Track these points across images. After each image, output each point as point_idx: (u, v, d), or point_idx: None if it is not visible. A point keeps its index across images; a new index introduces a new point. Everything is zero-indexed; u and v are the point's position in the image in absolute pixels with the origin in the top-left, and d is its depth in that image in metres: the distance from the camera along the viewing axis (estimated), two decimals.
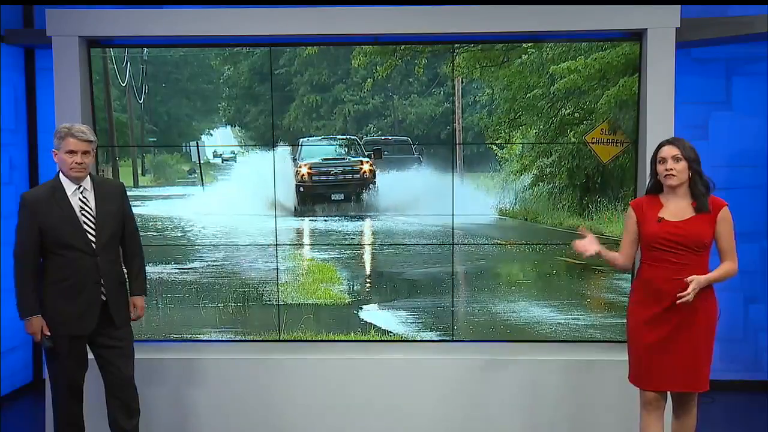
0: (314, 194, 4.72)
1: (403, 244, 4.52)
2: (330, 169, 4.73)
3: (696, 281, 3.14)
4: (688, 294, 3.12)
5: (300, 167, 4.68)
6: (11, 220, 3.62)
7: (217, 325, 4.51)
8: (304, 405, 4.30)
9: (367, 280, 4.58)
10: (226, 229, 4.57)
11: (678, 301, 3.15)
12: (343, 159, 4.75)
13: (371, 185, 4.73)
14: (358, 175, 4.73)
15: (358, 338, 4.48)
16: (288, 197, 4.67)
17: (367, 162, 4.71)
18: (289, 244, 4.49)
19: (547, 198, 4.47)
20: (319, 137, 4.64)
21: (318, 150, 4.72)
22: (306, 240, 4.70)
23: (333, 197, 4.74)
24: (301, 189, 4.70)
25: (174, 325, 4.51)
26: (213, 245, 4.54)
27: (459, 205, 4.51)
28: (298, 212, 4.69)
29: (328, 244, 4.56)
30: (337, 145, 4.69)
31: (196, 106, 4.57)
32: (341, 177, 4.74)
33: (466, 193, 4.55)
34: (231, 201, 4.61)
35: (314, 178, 4.72)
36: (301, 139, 4.62)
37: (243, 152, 4.59)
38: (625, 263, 3.45)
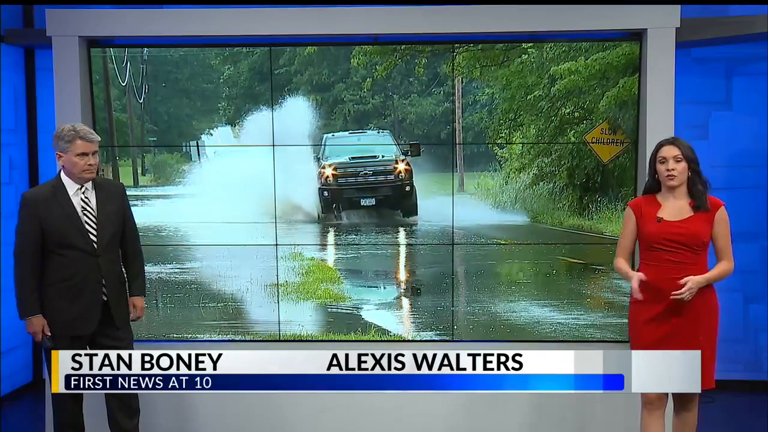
0: (341, 199, 4.17)
1: (403, 244, 4.51)
2: (359, 169, 4.18)
3: (691, 282, 3.15)
4: (683, 293, 3.14)
5: (324, 168, 4.12)
6: (11, 220, 3.61)
7: (217, 325, 4.51)
8: (304, 404, 4.30)
9: (368, 280, 4.57)
10: (228, 229, 4.55)
11: (671, 297, 3.16)
12: (375, 157, 4.19)
13: (408, 188, 4.15)
14: (393, 176, 4.15)
15: (358, 338, 4.48)
16: (310, 202, 4.20)
17: (403, 161, 4.12)
18: (289, 244, 4.48)
19: (547, 197, 4.47)
20: (346, 132, 4.12)
21: (344, 148, 4.17)
22: (330, 252, 4.32)
23: (363, 202, 4.18)
24: (325, 193, 4.15)
25: (174, 325, 4.51)
26: (213, 245, 4.53)
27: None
28: (322, 219, 4.20)
29: (328, 244, 4.54)
30: (366, 141, 4.14)
31: (196, 106, 4.57)
32: (372, 178, 4.18)
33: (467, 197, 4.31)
34: (234, 203, 4.47)
35: (340, 180, 4.15)
36: (325, 135, 4.13)
37: (244, 152, 4.53)
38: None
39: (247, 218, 4.50)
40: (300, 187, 4.20)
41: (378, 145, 4.20)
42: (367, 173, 4.21)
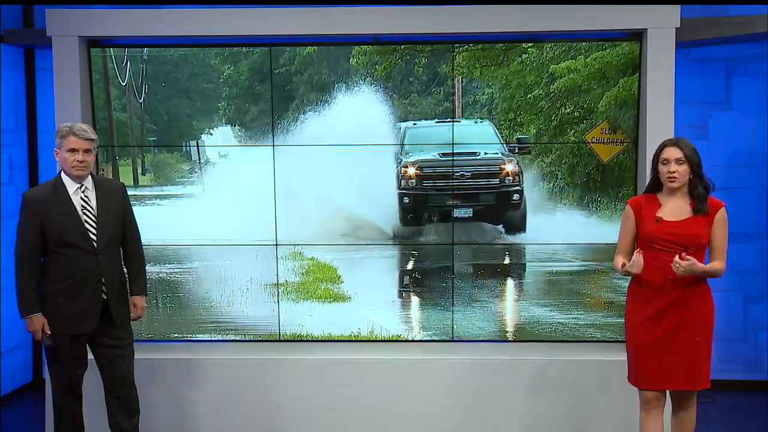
0: (426, 207, 3.34)
1: (402, 244, 4.49)
2: (452, 170, 3.32)
3: (689, 264, 3.13)
4: (679, 266, 3.12)
5: (406, 167, 3.29)
6: (11, 220, 3.63)
7: (217, 325, 4.51)
8: (304, 405, 4.30)
9: (368, 280, 4.55)
10: (229, 229, 4.53)
11: (672, 265, 3.14)
12: (474, 155, 3.36)
13: (517, 196, 3.34)
14: (497, 180, 3.33)
15: (359, 338, 4.48)
16: (382, 214, 3.35)
17: (511, 161, 3.33)
18: (290, 244, 4.48)
19: (547, 197, 4.46)
20: (432, 121, 3.30)
21: (429, 140, 3.30)
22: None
23: (456, 213, 3.35)
24: (406, 200, 3.36)
25: (174, 325, 4.51)
26: (213, 245, 4.52)
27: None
28: (399, 237, 3.39)
29: (328, 244, 4.53)
30: (460, 133, 3.23)
31: (196, 106, 4.56)
32: (470, 183, 3.31)
33: None
34: (242, 210, 4.42)
35: (426, 182, 3.30)
36: (403, 125, 3.33)
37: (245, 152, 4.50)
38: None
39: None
40: (367, 197, 3.45)
41: (479, 143, 3.34)
42: (464, 174, 3.34)
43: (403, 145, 3.32)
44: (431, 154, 3.38)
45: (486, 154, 3.38)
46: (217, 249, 4.52)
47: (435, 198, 3.33)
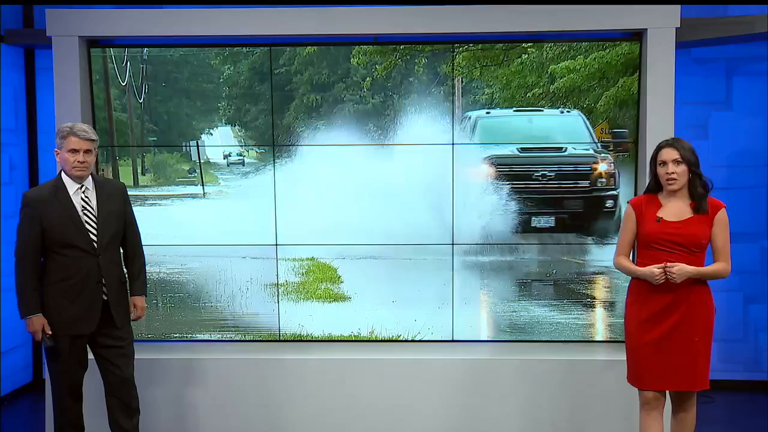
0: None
1: (402, 244, 4.49)
2: (533, 168, 2.82)
3: (680, 268, 3.16)
4: (672, 272, 3.15)
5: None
6: (11, 220, 3.63)
7: (217, 325, 4.51)
8: (304, 405, 4.30)
9: (368, 280, 4.56)
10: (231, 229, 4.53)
11: (666, 264, 3.17)
12: (560, 150, 2.86)
13: (610, 202, 2.83)
14: (588, 182, 2.84)
15: (359, 338, 4.48)
16: (437, 220, 2.83)
17: (605, 159, 2.84)
18: (290, 244, 4.48)
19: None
20: (510, 110, 2.77)
21: (507, 134, 2.72)
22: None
23: (535, 222, 2.90)
24: None
25: (174, 325, 4.51)
26: (213, 245, 4.52)
27: None
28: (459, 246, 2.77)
29: (329, 244, 4.53)
30: (543, 126, 2.63)
31: (196, 106, 4.56)
32: (554, 183, 2.78)
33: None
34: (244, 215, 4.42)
35: (502, 183, 2.80)
36: (473, 115, 2.82)
37: (250, 154, 4.51)
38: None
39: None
40: (420, 200, 2.98)
41: (569, 143, 2.70)
42: (547, 175, 2.84)
43: (469, 143, 2.76)
44: (509, 149, 2.91)
45: (574, 150, 2.88)
46: (218, 249, 4.52)
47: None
